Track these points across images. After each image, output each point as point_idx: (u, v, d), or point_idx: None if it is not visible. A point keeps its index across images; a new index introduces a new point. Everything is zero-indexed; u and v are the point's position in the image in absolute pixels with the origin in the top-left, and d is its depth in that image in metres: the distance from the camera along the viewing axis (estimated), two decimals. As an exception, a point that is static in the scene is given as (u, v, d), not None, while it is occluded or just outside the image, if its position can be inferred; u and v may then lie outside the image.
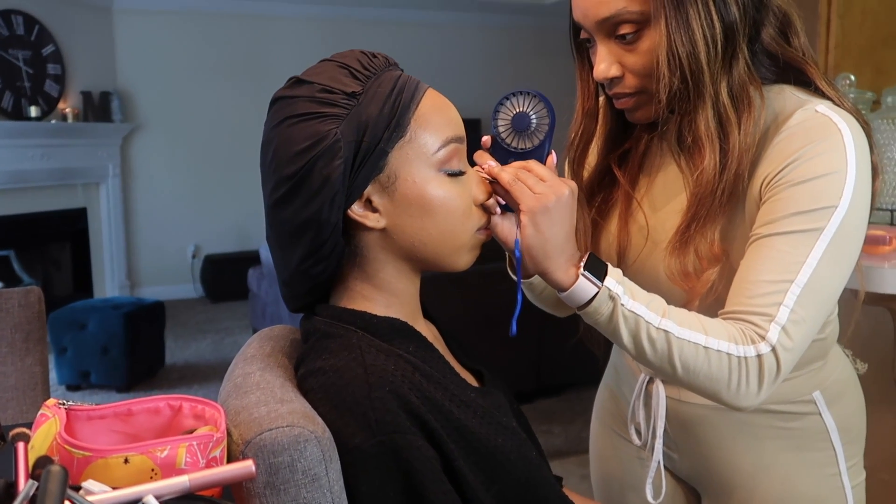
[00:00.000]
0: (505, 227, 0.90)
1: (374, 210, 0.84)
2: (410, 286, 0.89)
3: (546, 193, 0.86)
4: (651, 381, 1.10)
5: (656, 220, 1.02)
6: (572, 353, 3.83)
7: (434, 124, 0.84)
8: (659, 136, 1.03)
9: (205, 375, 4.28)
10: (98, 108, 5.79)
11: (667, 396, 1.08)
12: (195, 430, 0.71)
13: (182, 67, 6.30)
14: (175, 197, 6.41)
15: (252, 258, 5.71)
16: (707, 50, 0.87)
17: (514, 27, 7.33)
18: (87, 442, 0.67)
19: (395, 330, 0.85)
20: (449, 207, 0.84)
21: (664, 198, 1.02)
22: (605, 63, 0.94)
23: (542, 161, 0.92)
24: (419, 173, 0.83)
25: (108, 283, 6.05)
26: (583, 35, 0.97)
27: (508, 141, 0.94)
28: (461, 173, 0.86)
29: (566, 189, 0.87)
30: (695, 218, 0.93)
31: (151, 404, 0.74)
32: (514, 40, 7.35)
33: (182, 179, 6.42)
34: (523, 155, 0.92)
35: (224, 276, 6.17)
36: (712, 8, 0.87)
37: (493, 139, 0.95)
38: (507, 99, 0.94)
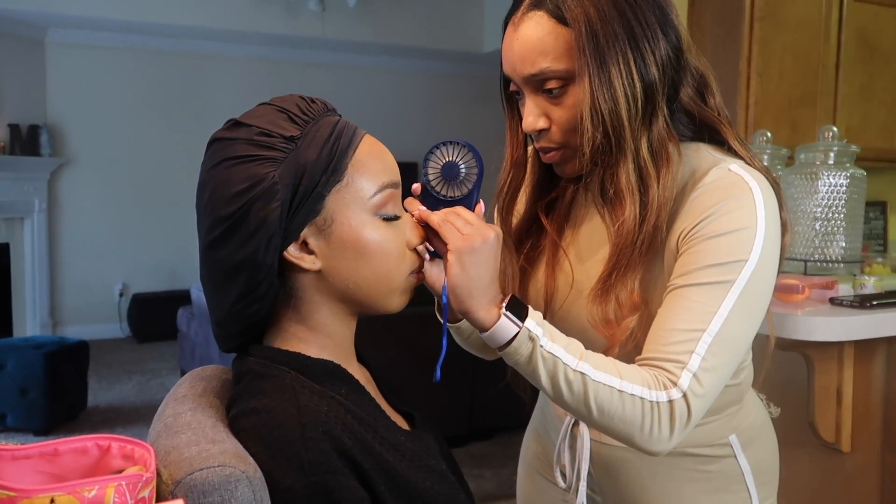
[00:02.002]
0: (433, 273, 0.93)
1: (310, 252, 0.85)
2: (345, 329, 0.91)
3: (473, 235, 0.89)
4: (576, 423, 1.12)
5: (581, 269, 1.06)
6: (504, 397, 3.85)
7: (371, 169, 0.86)
8: (583, 187, 1.07)
9: (129, 418, 4.15)
10: (26, 141, 5.66)
11: (591, 439, 1.10)
12: (124, 470, 0.70)
13: (114, 103, 6.22)
14: (103, 233, 6.27)
15: (182, 297, 5.60)
16: (628, 107, 0.92)
17: (453, 74, 7.47)
18: (11, 482, 0.66)
19: (329, 372, 0.86)
20: (384, 250, 0.86)
21: (589, 247, 1.06)
22: (533, 116, 0.98)
23: (471, 209, 0.95)
24: (355, 217, 0.85)
25: (30, 322, 5.85)
26: (512, 87, 1.01)
27: (438, 189, 0.97)
28: (396, 217, 0.88)
29: (492, 232, 0.90)
30: (616, 267, 0.97)
31: (79, 444, 0.73)
32: (454, 87, 7.49)
33: (111, 216, 6.29)
34: (452, 203, 0.96)
35: (152, 316, 6.03)
36: (633, 68, 0.92)
37: (423, 187, 0.97)
38: (438, 148, 0.97)
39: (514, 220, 1.11)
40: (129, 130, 6.28)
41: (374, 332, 3.23)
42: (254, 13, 5.99)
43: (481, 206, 0.96)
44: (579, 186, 1.08)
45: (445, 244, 0.90)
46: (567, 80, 0.94)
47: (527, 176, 1.10)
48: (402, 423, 0.94)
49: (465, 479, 0.98)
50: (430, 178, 0.97)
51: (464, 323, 1.08)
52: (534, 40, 0.94)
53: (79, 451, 0.73)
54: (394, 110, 7.21)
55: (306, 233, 0.84)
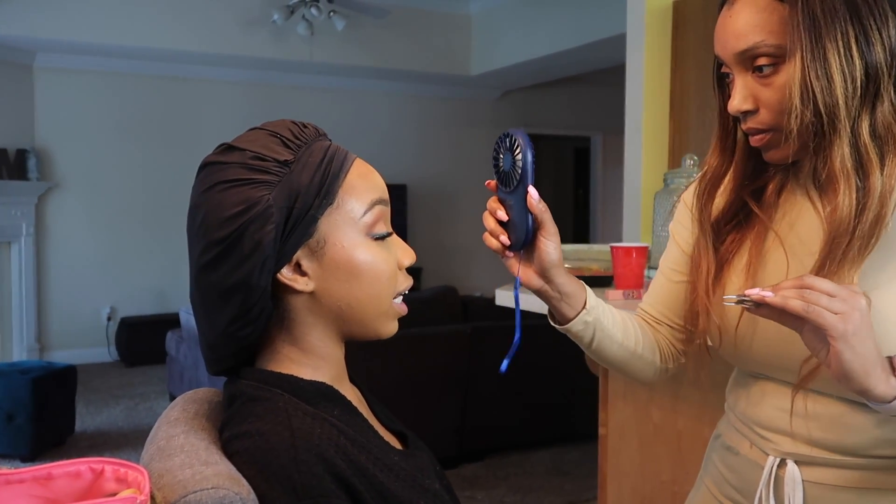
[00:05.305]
0: (512, 264, 0.97)
1: (303, 274, 0.86)
2: (337, 350, 0.91)
3: (849, 312, 0.82)
4: (782, 464, 1.02)
5: (796, 262, 1.00)
6: (496, 419, 3.86)
7: (360, 190, 0.87)
8: (793, 173, 1.02)
9: (117, 443, 4.12)
10: (14, 165, 5.65)
11: (803, 480, 1.00)
12: (117, 493, 0.70)
13: (103, 127, 6.22)
14: (91, 257, 6.24)
15: (171, 321, 5.57)
16: (844, 86, 0.88)
17: (440, 97, 7.51)
18: (5, 507, 0.66)
19: (322, 394, 0.87)
20: (376, 271, 0.87)
21: (800, 239, 1.01)
22: (740, 96, 0.95)
23: (524, 198, 0.94)
24: (347, 238, 0.86)
25: (16, 346, 5.81)
26: (723, 69, 0.99)
27: (503, 182, 0.97)
28: (388, 234, 0.89)
29: (861, 298, 0.83)
30: (829, 258, 0.90)
31: (72, 468, 0.73)
32: (442, 109, 7.53)
33: (99, 240, 6.27)
34: (513, 193, 0.96)
35: (140, 340, 5.99)
36: (853, 46, 0.88)
37: (496, 181, 0.98)
38: (499, 141, 0.97)
39: (714, 210, 1.07)
40: (117, 154, 6.28)
41: (364, 352, 3.22)
42: (242, 37, 6.02)
43: (534, 192, 0.94)
44: (789, 173, 1.03)
45: (824, 330, 0.82)
46: (778, 57, 0.91)
47: (735, 163, 1.05)
48: (395, 443, 0.94)
49: (458, 499, 0.99)
50: (497, 171, 0.98)
51: (576, 327, 1.04)
52: (748, 15, 0.93)
53: (72, 475, 0.73)
54: (382, 133, 7.23)
55: (299, 255, 0.85)
